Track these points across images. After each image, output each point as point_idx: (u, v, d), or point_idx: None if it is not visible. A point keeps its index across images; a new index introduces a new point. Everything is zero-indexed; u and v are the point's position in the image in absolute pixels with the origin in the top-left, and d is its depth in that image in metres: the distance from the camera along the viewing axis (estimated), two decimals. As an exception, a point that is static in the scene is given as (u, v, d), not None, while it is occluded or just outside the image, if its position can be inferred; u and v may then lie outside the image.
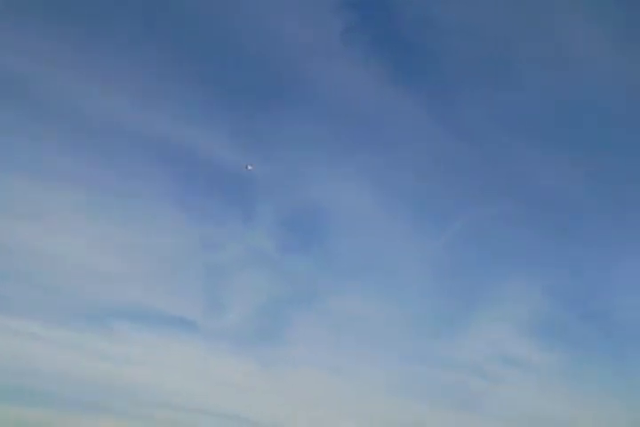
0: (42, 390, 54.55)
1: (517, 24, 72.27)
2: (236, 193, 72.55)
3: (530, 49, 73.80)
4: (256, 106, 73.10)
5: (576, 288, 69.59)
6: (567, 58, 73.64)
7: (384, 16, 72.55)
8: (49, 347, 57.70)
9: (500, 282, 69.98)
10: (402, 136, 74.58)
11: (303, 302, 68.98)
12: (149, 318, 63.71)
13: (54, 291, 61.07)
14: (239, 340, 65.34)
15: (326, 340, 66.90)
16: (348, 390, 63.16)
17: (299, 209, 74.69)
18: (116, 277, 64.58)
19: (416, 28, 73.61)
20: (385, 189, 75.61)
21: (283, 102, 74.29)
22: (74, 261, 63.53)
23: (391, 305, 69.38)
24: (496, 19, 72.42)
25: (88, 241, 65.45)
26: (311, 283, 70.37)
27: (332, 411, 61.62)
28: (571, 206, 73.84)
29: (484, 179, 75.05)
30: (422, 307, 70.23)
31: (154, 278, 66.34)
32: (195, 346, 63.60)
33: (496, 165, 76.07)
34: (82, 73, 67.24)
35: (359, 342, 66.78)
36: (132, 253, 66.80)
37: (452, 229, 73.58)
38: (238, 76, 72.76)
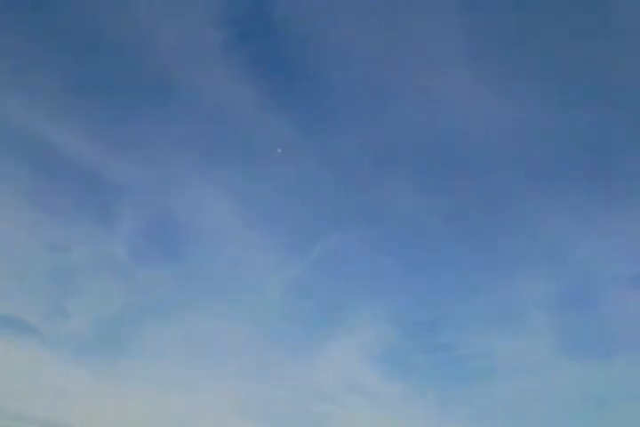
0: None
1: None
2: (94, 195, 70.17)
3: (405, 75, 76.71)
4: (125, 108, 71.67)
5: (423, 319, 71.73)
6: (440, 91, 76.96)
7: (266, 31, 73.62)
8: None
9: (352, 308, 69.78)
10: (273, 153, 75.02)
11: (154, 315, 66.43)
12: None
13: None
14: (80, 348, 62.20)
15: (173, 355, 65.27)
16: (185, 408, 61.94)
17: (161, 217, 72.11)
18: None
19: (299, 46, 74.39)
20: (252, 205, 74.54)
21: (155, 108, 72.61)
22: None
23: (245, 324, 68.88)
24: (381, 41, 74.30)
25: None
26: (165, 296, 68.52)
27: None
28: (427, 237, 76.50)
29: (348, 204, 76.50)
30: (277, 328, 69.68)
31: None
32: (32, 351, 60.60)
33: (361, 192, 77.65)
34: None
35: (206, 360, 65.55)
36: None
37: (314, 252, 74.65)
38: (107, 77, 71.07)
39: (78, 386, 59.85)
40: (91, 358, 61.80)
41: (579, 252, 71.10)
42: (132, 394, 60.94)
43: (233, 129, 75.26)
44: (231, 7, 70.94)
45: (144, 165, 72.83)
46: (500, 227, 74.60)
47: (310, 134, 76.52)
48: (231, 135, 75.56)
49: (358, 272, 73.67)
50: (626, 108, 70.21)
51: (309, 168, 76.37)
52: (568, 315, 68.97)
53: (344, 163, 76.83)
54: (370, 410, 65.73)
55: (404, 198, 76.14)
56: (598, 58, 70.47)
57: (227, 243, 73.58)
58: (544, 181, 73.65)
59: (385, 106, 76.00)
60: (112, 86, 70.82)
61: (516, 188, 73.99)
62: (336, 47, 74.40)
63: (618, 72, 70.25)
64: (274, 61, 75.03)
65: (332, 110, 74.82)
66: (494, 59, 73.30)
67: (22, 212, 66.51)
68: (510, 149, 74.65)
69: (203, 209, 74.05)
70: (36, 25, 68.11)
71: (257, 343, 68.52)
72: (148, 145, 73.30)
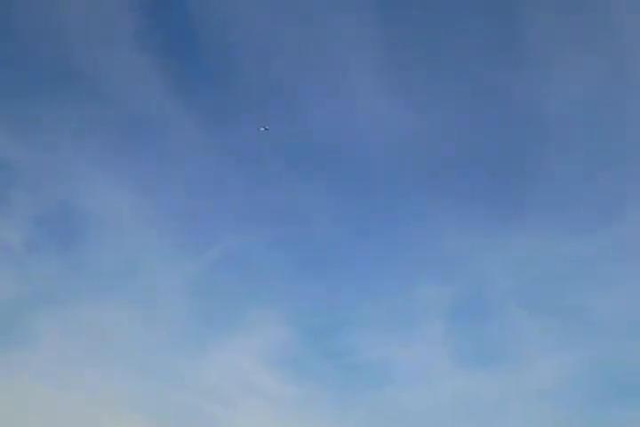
0: None
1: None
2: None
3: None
4: (25, 92, 70.22)
5: (323, 323, 71.34)
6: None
7: (179, 19, 73.42)
8: None
9: (250, 309, 69.95)
10: (178, 150, 74.34)
11: (45, 305, 64.91)
12: None
13: None
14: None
15: (61, 347, 63.45)
16: (70, 403, 60.14)
17: (58, 205, 70.85)
18: None
19: (212, 34, 74.87)
20: (153, 200, 73.95)
21: (57, 93, 70.89)
22: None
23: (138, 320, 67.55)
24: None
25: None
26: (58, 287, 66.65)
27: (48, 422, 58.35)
28: (329, 242, 76.29)
29: (250, 206, 75.91)
30: (171, 326, 68.69)
31: None
32: None
33: (264, 194, 77.24)
34: None
35: (96, 355, 64.01)
36: None
37: (214, 251, 73.69)
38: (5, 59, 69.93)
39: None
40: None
41: (475, 265, 72.60)
42: (15, 386, 59.01)
43: (138, 119, 74.59)
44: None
45: (43, 151, 71.06)
46: (400, 235, 75.83)
47: (218, 132, 76.44)
48: (137, 125, 74.89)
49: (258, 274, 73.09)
50: (526, 130, 74.27)
51: (214, 167, 76.01)
52: (462, 324, 70.47)
53: (249, 163, 76.68)
54: (264, 412, 64.91)
55: (308, 202, 76.38)
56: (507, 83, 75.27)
57: (125, 237, 72.06)
58: (448, 196, 75.71)
59: (295, 105, 76.81)
60: (11, 69, 69.87)
61: (420, 199, 75.89)
62: (250, 40, 75.25)
63: (520, 97, 74.51)
64: (185, 51, 75.13)
65: (241, 107, 75.21)
66: (407, 70, 75.57)
67: None
68: (412, 160, 76.24)
69: (102, 200, 72.42)
70: None
71: (149, 340, 67.07)
72: (47, 130, 71.48)
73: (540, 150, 74.58)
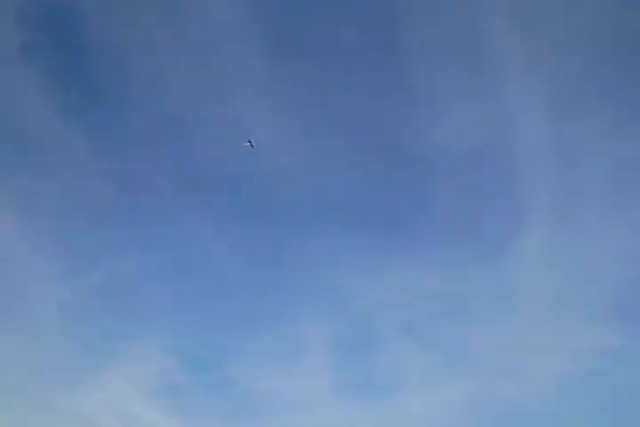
0: None
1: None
2: None
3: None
4: None
5: (208, 353, 70.42)
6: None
7: (66, 32, 71.76)
8: None
9: (133, 337, 68.15)
10: (61, 171, 72.42)
11: None
12: None
13: None
14: None
15: None
16: None
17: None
18: None
19: (100, 50, 74.44)
20: (32, 221, 72.03)
21: None
22: None
23: (13, 347, 65.04)
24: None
25: None
26: None
27: None
28: (213, 270, 75.61)
29: (136, 229, 74.25)
30: (48, 353, 66.63)
31: None
32: None
33: (152, 218, 75.91)
34: None
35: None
36: None
37: (94, 278, 71.47)
38: None
39: None
40: None
41: (363, 297, 73.34)
42: None
43: (21, 137, 72.31)
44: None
45: None
46: (288, 265, 75.64)
47: (105, 155, 74.92)
48: (18, 143, 72.57)
49: (141, 301, 71.75)
50: (418, 168, 76.47)
51: (100, 191, 74.35)
52: (347, 355, 71.05)
53: (138, 188, 75.52)
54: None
55: (196, 230, 75.60)
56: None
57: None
58: (339, 227, 76.04)
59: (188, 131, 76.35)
60: None
61: (310, 229, 75.67)
62: (145, 62, 74.40)
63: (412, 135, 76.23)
64: (75, 68, 73.58)
65: (132, 130, 74.16)
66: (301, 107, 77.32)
67: None
68: (304, 189, 76.59)
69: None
70: None
71: (23, 368, 64.80)
72: None
73: (432, 187, 76.55)
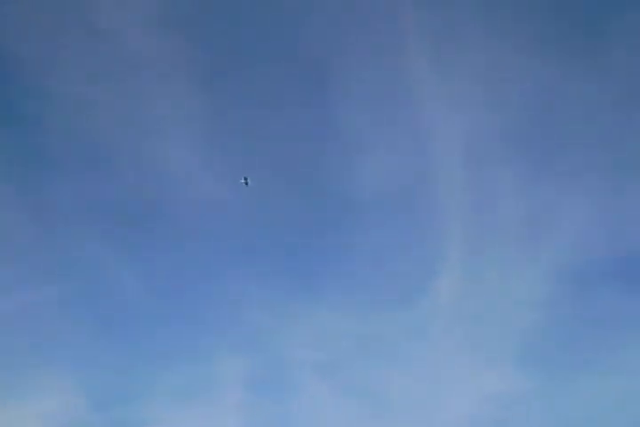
0: None
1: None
2: None
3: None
4: None
5: (114, 394, 68.57)
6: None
7: None
8: None
9: (34, 372, 65.84)
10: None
11: None
12: None
13: None
14: None
15: None
16: None
17: None
18: None
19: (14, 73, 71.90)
20: None
21: None
22: None
23: None
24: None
25: None
26: None
27: None
28: (126, 303, 74.01)
29: (40, 259, 72.26)
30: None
31: None
32: None
33: (54, 248, 74.07)
34: None
35: None
36: None
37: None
38: None
39: None
40: None
41: (278, 338, 73.17)
42: None
43: None
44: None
45: None
46: (203, 304, 74.75)
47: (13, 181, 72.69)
48: None
49: (42, 334, 69.31)
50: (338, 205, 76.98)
51: (10, 216, 71.84)
52: (259, 397, 70.32)
53: (49, 214, 73.60)
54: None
55: (106, 259, 73.95)
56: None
57: None
58: (253, 267, 75.66)
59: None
60: None
61: (225, 268, 75.88)
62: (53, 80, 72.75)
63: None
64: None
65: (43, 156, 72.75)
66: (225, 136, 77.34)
67: None
68: (220, 227, 76.20)
69: None
70: None
71: None
72: None
73: (351, 226, 76.86)
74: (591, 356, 69.37)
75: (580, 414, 66.47)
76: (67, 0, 74.00)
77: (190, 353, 71.49)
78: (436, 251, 74.80)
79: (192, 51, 76.37)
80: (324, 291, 74.25)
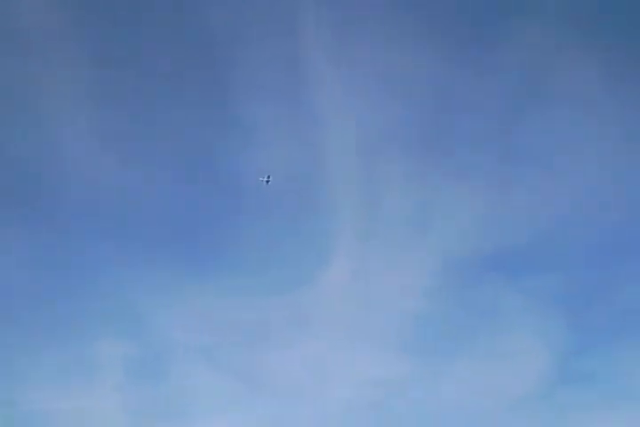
0: None
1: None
2: None
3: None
4: None
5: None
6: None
7: None
8: None
9: None
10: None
11: None
12: None
13: None
14: None
15: None
16: None
17: None
18: None
19: None
20: None
21: None
22: None
23: None
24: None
25: None
26: None
27: None
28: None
29: None
30: None
31: None
32: None
33: None
34: None
35: None
36: None
37: None
38: None
39: None
40: None
41: (159, 323, 72.56)
42: None
43: None
44: None
45: None
46: (87, 289, 73.63)
47: None
48: None
49: None
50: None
51: None
52: (141, 378, 69.58)
53: None
54: None
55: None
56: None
57: None
58: (137, 249, 75.76)
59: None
60: None
61: (107, 249, 74.87)
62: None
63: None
64: None
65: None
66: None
67: None
68: (108, 209, 75.68)
69: None
70: None
71: None
72: None
73: (242, 212, 77.84)
74: (470, 342, 72.04)
75: (456, 397, 68.72)
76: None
77: (73, 334, 70.01)
78: (325, 239, 76.28)
79: (91, 38, 76.39)
80: (211, 275, 74.37)
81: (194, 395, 68.55)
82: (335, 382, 69.32)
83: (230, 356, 70.96)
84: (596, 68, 77.29)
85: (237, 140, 78.36)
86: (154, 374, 69.75)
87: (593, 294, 75.13)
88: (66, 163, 76.14)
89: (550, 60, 77.89)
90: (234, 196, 77.51)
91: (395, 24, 78.13)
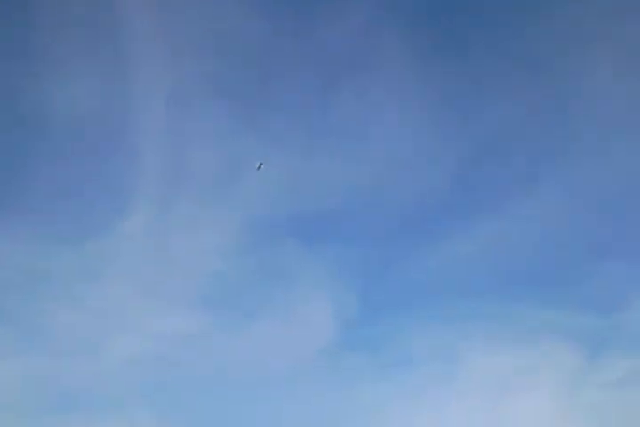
0: None
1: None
2: None
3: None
4: None
5: None
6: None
7: None
8: None
9: None
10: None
11: None
12: None
13: None
14: None
15: None
16: None
17: None
18: None
19: None
20: None
21: None
22: None
23: None
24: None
25: None
26: None
27: None
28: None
29: None
30: None
31: None
32: None
33: None
34: None
35: None
36: None
37: None
38: None
39: None
40: None
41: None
42: None
43: None
44: None
45: None
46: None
47: None
48: None
49: None
50: None
51: None
52: None
53: None
54: None
55: None
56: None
57: None
58: None
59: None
60: None
61: None
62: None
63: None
64: None
65: None
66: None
67: None
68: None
69: None
70: None
71: None
72: None
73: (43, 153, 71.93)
74: (266, 303, 72.24)
75: (249, 354, 67.89)
76: None
77: None
78: (127, 189, 72.65)
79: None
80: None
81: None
82: (123, 337, 66.19)
83: (10, 304, 65.30)
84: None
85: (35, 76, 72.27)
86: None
87: (383, 267, 78.36)
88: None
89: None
90: (34, 137, 71.34)
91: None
